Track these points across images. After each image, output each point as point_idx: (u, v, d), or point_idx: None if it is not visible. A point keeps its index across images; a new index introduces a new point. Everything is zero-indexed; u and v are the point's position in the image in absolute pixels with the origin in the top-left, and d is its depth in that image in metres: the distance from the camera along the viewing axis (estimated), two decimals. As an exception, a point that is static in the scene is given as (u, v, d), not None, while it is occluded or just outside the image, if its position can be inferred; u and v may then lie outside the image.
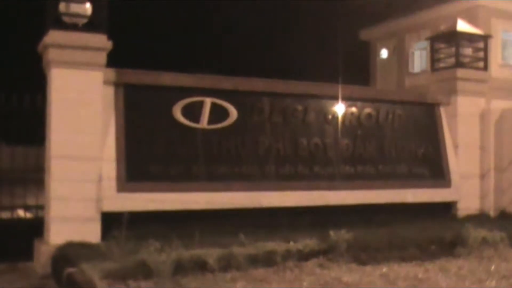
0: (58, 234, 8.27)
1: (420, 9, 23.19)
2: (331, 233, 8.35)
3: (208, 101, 9.48)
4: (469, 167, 11.58)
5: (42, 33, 8.66)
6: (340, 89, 10.68)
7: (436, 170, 11.33)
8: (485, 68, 12.20)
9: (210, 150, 9.47)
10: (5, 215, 9.23)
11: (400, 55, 25.06)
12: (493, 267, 7.87)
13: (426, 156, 11.31)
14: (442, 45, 12.35)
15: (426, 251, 8.50)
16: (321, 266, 7.81)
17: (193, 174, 9.24)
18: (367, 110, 10.88)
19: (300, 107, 10.28)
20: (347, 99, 10.72)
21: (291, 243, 8.09)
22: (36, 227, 8.81)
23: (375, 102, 11.04)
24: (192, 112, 9.39)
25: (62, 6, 8.42)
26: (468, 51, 12.16)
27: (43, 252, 8.25)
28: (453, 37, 12.04)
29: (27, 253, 8.73)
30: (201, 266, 7.26)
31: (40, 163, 8.92)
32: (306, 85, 10.62)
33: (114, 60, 8.88)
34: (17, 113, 8.76)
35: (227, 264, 7.40)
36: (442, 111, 11.66)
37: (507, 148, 11.59)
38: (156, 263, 7.00)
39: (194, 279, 6.99)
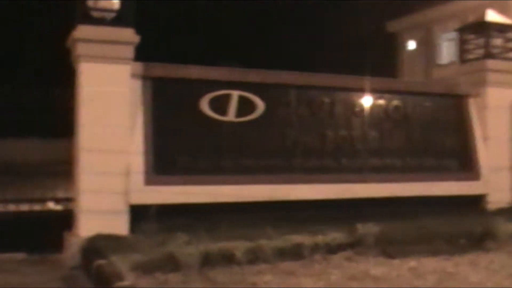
0: (87, 226, 8.35)
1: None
2: (359, 226, 8.32)
3: (235, 94, 9.49)
4: (499, 160, 11.41)
5: (71, 28, 8.73)
6: (367, 82, 10.63)
7: (465, 163, 11.21)
8: (516, 58, 12.01)
9: (237, 143, 9.49)
10: (36, 207, 9.36)
11: (428, 47, 24.83)
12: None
13: (454, 148, 11.19)
14: (471, 36, 12.17)
15: (455, 244, 8.43)
16: (348, 259, 7.80)
17: (220, 167, 9.27)
18: (395, 102, 10.79)
19: (327, 100, 10.24)
20: (374, 91, 10.65)
21: (319, 236, 8.08)
22: (66, 219, 8.91)
23: (402, 94, 10.95)
24: (219, 105, 9.41)
25: (90, 2, 8.49)
26: (498, 41, 11.97)
27: (73, 244, 8.34)
28: (482, 28, 11.87)
29: (58, 245, 8.84)
30: (228, 259, 7.30)
31: (69, 156, 9.01)
32: (333, 77, 10.57)
33: (141, 53, 8.92)
34: (47, 107, 8.86)
35: (254, 257, 7.43)
36: (471, 103, 11.52)
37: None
38: (184, 256, 7.05)
39: (221, 272, 7.02)
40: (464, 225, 9.00)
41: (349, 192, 9.86)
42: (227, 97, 9.47)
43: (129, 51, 8.76)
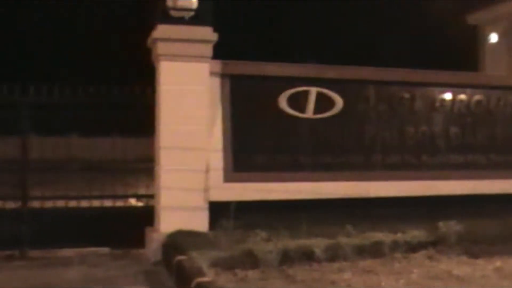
0: (168, 222, 8.51)
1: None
2: (440, 224, 8.13)
3: (313, 91, 9.45)
4: None
5: (150, 28, 8.91)
6: (447, 76, 10.39)
7: (552, 159, 10.78)
8: None
9: (316, 139, 9.45)
10: (119, 203, 9.59)
11: (511, 40, 23.98)
12: None
13: (541, 144, 10.78)
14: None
15: (543, 244, 8.12)
16: (430, 258, 7.62)
17: (299, 163, 9.26)
18: (477, 97, 10.49)
19: (406, 95, 10.05)
20: (455, 86, 10.39)
21: (399, 234, 7.95)
22: (147, 216, 9.10)
23: (485, 89, 10.63)
24: (298, 101, 9.39)
25: (169, 1, 8.62)
26: None
27: (154, 239, 8.52)
28: None
29: (139, 240, 9.04)
30: (307, 256, 7.26)
31: (150, 154, 9.20)
32: (412, 72, 10.36)
33: (219, 52, 9.00)
34: (129, 105, 9.05)
35: (333, 255, 7.36)
36: (559, 96, 11.06)
37: None
38: (263, 253, 7.06)
39: (300, 269, 7.00)
40: (552, 224, 8.66)
41: (431, 189, 9.65)
42: (305, 94, 9.44)
43: (208, 49, 8.85)
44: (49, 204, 9.32)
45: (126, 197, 9.80)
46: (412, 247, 7.78)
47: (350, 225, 7.99)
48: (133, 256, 8.95)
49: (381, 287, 6.43)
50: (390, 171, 9.69)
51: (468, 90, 10.48)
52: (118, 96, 9.18)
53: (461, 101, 10.42)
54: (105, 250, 9.18)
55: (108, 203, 9.49)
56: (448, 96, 10.32)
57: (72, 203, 9.27)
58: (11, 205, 9.16)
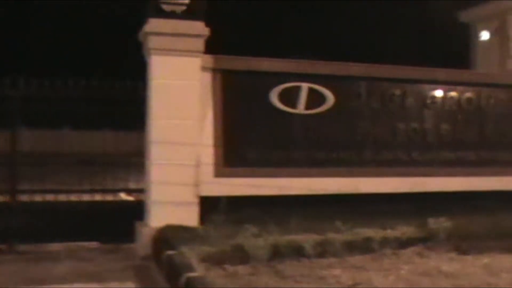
0: (158, 217, 8.48)
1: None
2: (430, 220, 8.16)
3: (305, 86, 9.44)
4: None
5: (142, 22, 8.87)
6: (439, 73, 10.40)
7: (541, 157, 10.82)
8: None
9: (307, 135, 9.44)
10: (109, 197, 9.57)
11: (502, 38, 24.02)
12: None
13: (530, 142, 10.82)
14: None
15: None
16: (419, 254, 7.66)
17: (290, 159, 9.25)
18: (468, 94, 10.51)
19: (398, 92, 10.06)
20: (447, 83, 10.40)
21: (389, 230, 7.96)
22: (137, 210, 9.08)
23: (476, 86, 10.66)
24: (289, 97, 9.37)
25: (161, -5, 8.59)
26: None
27: (144, 234, 8.49)
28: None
29: (129, 235, 9.02)
30: (297, 252, 7.28)
31: (141, 148, 9.17)
32: (403, 69, 10.35)
33: (211, 46, 8.98)
34: (120, 99, 9.03)
35: (323, 250, 7.38)
36: (548, 95, 11.10)
37: None
38: (253, 248, 7.07)
39: (290, 265, 7.01)
40: (541, 221, 8.70)
41: (421, 185, 9.66)
42: (297, 89, 9.43)
43: (200, 44, 8.81)
44: (38, 198, 9.29)
45: (116, 191, 9.79)
46: (402, 244, 7.81)
47: (340, 221, 7.99)
48: (123, 251, 8.93)
49: (370, 284, 6.44)
50: (381, 167, 9.70)
51: (459, 87, 10.50)
52: (109, 90, 9.14)
53: (452, 98, 10.44)
54: (94, 244, 9.17)
55: (98, 197, 9.47)
56: (439, 93, 10.34)
57: (62, 197, 9.24)
58: (-1, 198, 9.12)
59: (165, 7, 8.63)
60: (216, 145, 8.89)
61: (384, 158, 9.81)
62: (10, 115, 8.97)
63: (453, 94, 10.44)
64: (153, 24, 8.64)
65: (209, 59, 8.99)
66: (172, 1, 8.63)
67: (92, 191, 9.43)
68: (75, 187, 9.38)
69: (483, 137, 10.54)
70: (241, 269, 6.80)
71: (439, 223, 8.09)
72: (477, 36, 25.90)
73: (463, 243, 7.89)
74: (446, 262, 7.31)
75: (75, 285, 7.23)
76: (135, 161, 9.53)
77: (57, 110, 9.19)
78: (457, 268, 7.05)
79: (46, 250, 8.92)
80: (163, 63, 8.67)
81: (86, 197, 9.44)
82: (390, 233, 7.91)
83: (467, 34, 26.33)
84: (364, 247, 7.64)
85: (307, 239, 7.41)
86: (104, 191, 9.49)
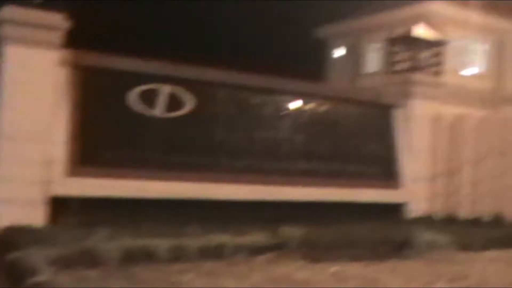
0: (4, 216, 7.99)
1: (378, 10, 23.34)
2: (282, 229, 8.31)
3: (165, 89, 9.33)
4: (419, 170, 11.69)
5: None
6: (296, 85, 10.72)
7: (388, 171, 11.44)
8: (440, 73, 12.37)
9: (164, 138, 9.34)
10: None
11: (355, 55, 25.18)
12: (440, 269, 7.96)
13: (378, 157, 11.41)
14: (399, 48, 12.47)
15: (376, 251, 8.52)
16: (272, 261, 7.76)
17: (146, 161, 9.10)
18: (322, 107, 10.91)
19: (256, 101, 10.29)
20: (303, 95, 10.74)
21: (242, 237, 8.02)
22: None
23: (330, 100, 11.08)
24: (148, 99, 9.24)
25: (18, -18, 8.15)
26: (424, 55, 12.30)
27: (-14, 235, 7.97)
28: (409, 41, 12.19)
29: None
30: (151, 256, 7.13)
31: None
32: (262, 78, 10.56)
33: (80, 42, 8.63)
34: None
35: (177, 255, 7.29)
36: (397, 113, 11.76)
37: (457, 152, 11.76)
38: (104, 251, 6.85)
39: (143, 269, 6.85)
40: (385, 232, 9.14)
41: (276, 194, 9.86)
42: (156, 92, 9.30)
43: (56, 37, 8.46)
44: None
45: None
46: (256, 250, 7.87)
47: (197, 227, 7.95)
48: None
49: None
50: (237, 174, 9.78)
51: (315, 100, 10.86)
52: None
53: (307, 110, 10.77)
54: None
55: None
56: (295, 104, 10.63)
57: None
58: None
59: (23, -5, 8.19)
60: (70, 143, 8.54)
61: (240, 165, 9.91)
62: None
63: (308, 106, 10.77)
64: (8, 12, 8.18)
65: (67, 54, 8.65)
66: (30, -11, 8.21)
67: None
68: None
69: (335, 150, 10.95)
70: (91, 273, 6.54)
71: (291, 232, 8.26)
72: (331, 52, 27.06)
73: (313, 252, 8.09)
74: (297, 270, 7.45)
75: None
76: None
77: None
78: (307, 275, 7.20)
79: None
80: (18, 54, 8.22)
81: None
82: (243, 240, 7.96)
83: (322, 51, 27.40)
84: (218, 253, 7.63)
85: (162, 244, 7.27)
86: None
